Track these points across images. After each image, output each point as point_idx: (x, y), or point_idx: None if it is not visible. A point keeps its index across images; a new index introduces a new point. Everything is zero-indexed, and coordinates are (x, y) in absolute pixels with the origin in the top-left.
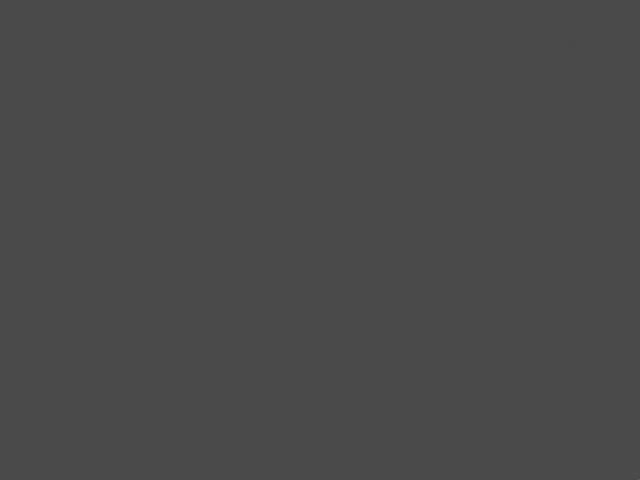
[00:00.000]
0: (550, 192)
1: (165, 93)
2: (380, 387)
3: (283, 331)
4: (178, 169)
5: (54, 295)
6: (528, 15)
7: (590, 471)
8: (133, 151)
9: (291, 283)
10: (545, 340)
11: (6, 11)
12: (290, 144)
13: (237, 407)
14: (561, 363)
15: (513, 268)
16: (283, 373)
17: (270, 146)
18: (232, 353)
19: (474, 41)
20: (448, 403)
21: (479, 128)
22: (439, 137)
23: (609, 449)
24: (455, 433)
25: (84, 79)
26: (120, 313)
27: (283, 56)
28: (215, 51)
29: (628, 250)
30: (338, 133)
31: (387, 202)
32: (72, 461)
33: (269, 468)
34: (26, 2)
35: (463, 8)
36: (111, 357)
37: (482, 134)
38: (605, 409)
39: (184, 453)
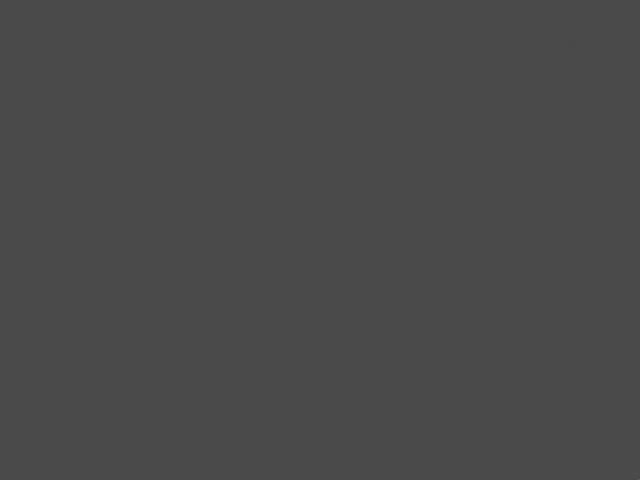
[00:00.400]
0: (550, 192)
1: (165, 93)
2: (380, 387)
3: (283, 331)
4: (178, 169)
5: (54, 295)
6: (528, 15)
7: (590, 471)
8: (133, 151)
9: (291, 283)
10: (545, 340)
11: (6, 11)
12: (290, 144)
13: (237, 407)
14: (561, 363)
15: (513, 268)
16: (283, 373)
17: (270, 146)
18: (232, 353)
19: (474, 41)
20: (448, 403)
21: (479, 128)
22: (439, 137)
23: (609, 449)
24: (455, 433)
25: (84, 79)
26: (120, 313)
27: (283, 56)
28: (215, 51)
29: (628, 250)
30: (338, 133)
31: (387, 202)
32: (72, 461)
33: (269, 468)
34: (26, 2)
35: (463, 8)
36: (111, 357)
37: (482, 134)
38: (605, 409)
39: (184, 453)
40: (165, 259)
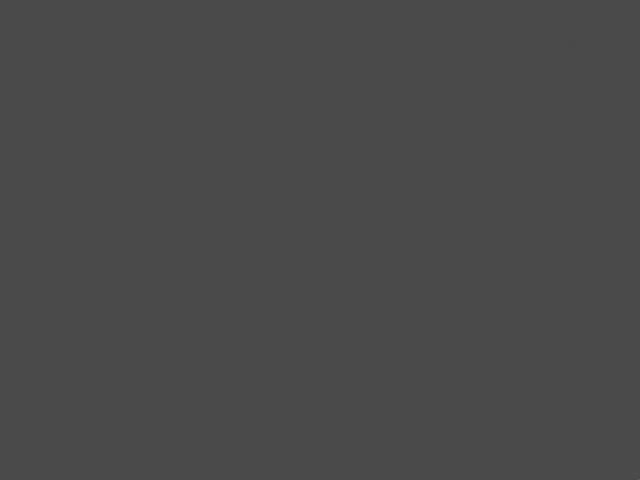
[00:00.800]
0: (550, 192)
1: (165, 93)
2: (380, 387)
3: (283, 331)
4: (178, 169)
5: (54, 295)
6: (528, 15)
7: (590, 471)
8: (133, 151)
9: (291, 283)
10: (545, 340)
11: (6, 11)
12: (290, 144)
13: (237, 407)
14: (561, 363)
15: (513, 269)
16: (283, 373)
17: (270, 146)
18: (232, 353)
19: (474, 41)
20: (448, 403)
21: (479, 128)
22: (439, 137)
23: (609, 449)
24: (455, 433)
25: (84, 79)
26: (120, 313)
27: (283, 56)
28: (215, 51)
29: (628, 250)
30: (338, 133)
31: (387, 202)
32: (72, 461)
33: (269, 468)
34: (26, 2)
35: (463, 8)
36: (111, 357)
37: (482, 134)
38: (605, 409)
39: (184, 453)
40: (165, 260)
